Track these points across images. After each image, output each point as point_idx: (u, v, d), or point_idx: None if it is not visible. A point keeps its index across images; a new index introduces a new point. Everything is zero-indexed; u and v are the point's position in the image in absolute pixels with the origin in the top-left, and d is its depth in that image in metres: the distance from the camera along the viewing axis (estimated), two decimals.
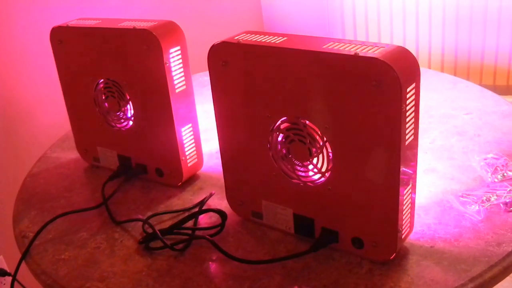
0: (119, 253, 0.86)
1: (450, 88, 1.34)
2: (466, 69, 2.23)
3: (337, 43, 0.73)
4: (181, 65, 0.96)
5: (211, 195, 0.97)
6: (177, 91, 0.96)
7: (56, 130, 1.52)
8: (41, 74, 1.70)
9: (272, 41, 0.77)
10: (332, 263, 0.79)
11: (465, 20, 2.17)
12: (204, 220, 0.92)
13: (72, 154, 1.20)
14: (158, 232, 0.87)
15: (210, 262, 0.82)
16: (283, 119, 0.78)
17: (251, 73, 0.79)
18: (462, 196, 0.91)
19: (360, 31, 2.43)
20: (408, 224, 0.79)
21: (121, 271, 0.82)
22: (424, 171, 0.99)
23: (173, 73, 0.95)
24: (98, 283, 0.80)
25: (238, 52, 0.79)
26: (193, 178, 1.05)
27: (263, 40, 0.78)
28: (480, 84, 1.36)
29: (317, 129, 0.76)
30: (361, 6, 2.37)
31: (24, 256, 0.89)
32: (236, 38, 0.80)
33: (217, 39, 0.81)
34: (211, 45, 0.82)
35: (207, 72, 1.57)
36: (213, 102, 0.86)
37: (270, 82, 0.77)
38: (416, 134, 0.73)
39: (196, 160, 1.04)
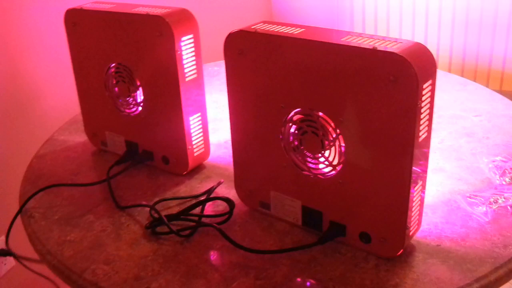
0: (125, 237, 0.86)
1: (460, 89, 1.34)
2: (473, 73, 2.23)
3: (355, 37, 0.73)
4: (193, 53, 0.96)
5: (219, 183, 0.97)
6: (187, 79, 0.96)
7: (63, 114, 1.52)
8: (52, 56, 1.70)
9: (290, 32, 0.77)
10: (338, 257, 0.79)
11: (474, 23, 2.16)
12: (211, 208, 0.92)
13: (79, 137, 1.20)
14: (164, 218, 0.87)
15: (216, 250, 0.82)
16: (297, 110, 0.78)
17: (267, 63, 0.79)
18: (469, 197, 0.91)
19: (368, 30, 2.42)
20: (416, 222, 0.79)
21: (127, 255, 0.82)
22: (432, 170, 0.99)
23: (185, 61, 0.95)
24: (103, 265, 0.80)
25: (255, 42, 0.79)
26: (200, 167, 1.04)
27: (280, 31, 0.78)
28: None
29: (330, 122, 0.75)
30: (370, 3, 2.36)
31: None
32: (253, 27, 0.80)
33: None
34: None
35: (217, 62, 1.58)
36: (228, 90, 0.85)
37: (286, 73, 0.77)
38: (429, 132, 0.73)
39: (203, 150, 1.03)
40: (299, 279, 0.76)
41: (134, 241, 0.85)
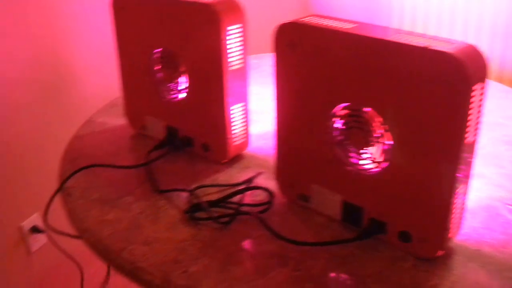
0: (163, 220, 0.87)
1: (502, 97, 1.33)
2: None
3: (407, 35, 0.72)
4: (239, 43, 0.96)
5: (260, 173, 0.98)
6: (232, 68, 0.96)
7: (101, 98, 1.54)
8: (92, 40, 1.72)
9: (342, 26, 0.76)
10: (376, 254, 0.79)
11: None
12: (249, 198, 0.92)
13: (118, 120, 1.22)
14: (205, 203, 0.87)
15: (254, 239, 0.82)
16: (344, 105, 0.78)
17: (318, 56, 0.79)
18: (509, 205, 0.89)
19: (405, 28, 2.40)
20: (457, 225, 0.78)
21: (166, 238, 0.83)
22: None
23: (231, 50, 0.95)
24: (142, 246, 0.81)
25: (307, 34, 0.79)
26: (239, 156, 1.05)
27: (333, 25, 0.77)
28: None
29: (378, 118, 0.75)
30: (408, 2, 2.34)
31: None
32: (304, 20, 0.80)
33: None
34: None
35: (256, 55, 1.58)
36: (276, 80, 0.85)
37: (336, 67, 0.77)
38: (477, 136, 0.72)
39: (243, 139, 1.04)
40: (336, 274, 0.76)
41: (172, 225, 0.86)
